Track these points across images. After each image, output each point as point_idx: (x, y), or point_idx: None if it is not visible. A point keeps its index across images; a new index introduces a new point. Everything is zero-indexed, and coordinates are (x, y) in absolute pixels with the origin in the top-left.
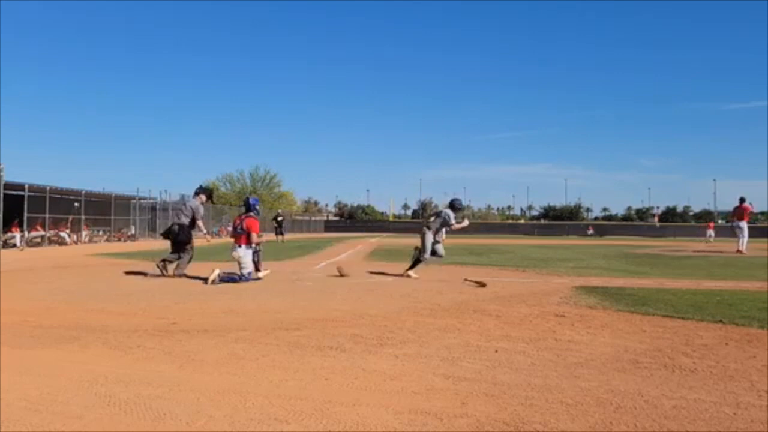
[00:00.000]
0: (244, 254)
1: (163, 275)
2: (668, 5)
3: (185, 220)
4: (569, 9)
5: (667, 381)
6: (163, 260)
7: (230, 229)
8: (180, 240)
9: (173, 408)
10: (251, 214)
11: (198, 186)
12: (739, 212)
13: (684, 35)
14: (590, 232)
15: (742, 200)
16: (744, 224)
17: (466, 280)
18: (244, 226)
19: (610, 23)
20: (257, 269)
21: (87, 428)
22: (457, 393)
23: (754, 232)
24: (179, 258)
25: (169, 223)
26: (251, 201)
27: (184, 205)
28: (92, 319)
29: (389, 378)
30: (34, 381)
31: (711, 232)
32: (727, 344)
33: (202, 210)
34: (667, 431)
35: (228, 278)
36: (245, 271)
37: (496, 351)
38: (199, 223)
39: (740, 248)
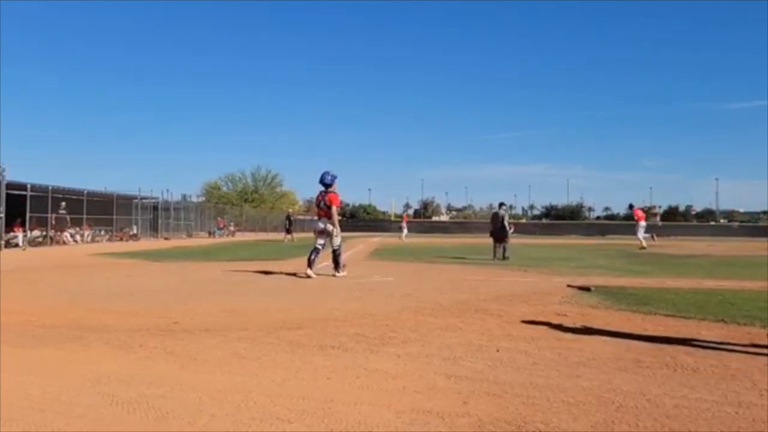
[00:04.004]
0: (333, 226)
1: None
2: (668, 5)
3: (499, 224)
4: (569, 9)
5: (669, 380)
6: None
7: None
8: (502, 236)
9: (175, 407)
10: (330, 189)
11: (500, 201)
12: (639, 214)
13: (684, 35)
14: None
15: (631, 206)
16: (644, 224)
17: (569, 286)
18: (326, 201)
19: (610, 23)
20: (337, 268)
21: (89, 427)
22: (458, 392)
23: (755, 231)
24: (504, 245)
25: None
26: (329, 179)
27: (496, 214)
28: (94, 319)
29: (391, 377)
30: (36, 380)
31: None
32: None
33: (507, 216)
34: (669, 430)
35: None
36: (337, 241)
37: (498, 350)
38: (506, 224)
39: (642, 244)
